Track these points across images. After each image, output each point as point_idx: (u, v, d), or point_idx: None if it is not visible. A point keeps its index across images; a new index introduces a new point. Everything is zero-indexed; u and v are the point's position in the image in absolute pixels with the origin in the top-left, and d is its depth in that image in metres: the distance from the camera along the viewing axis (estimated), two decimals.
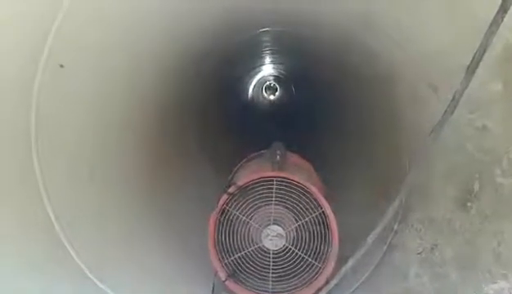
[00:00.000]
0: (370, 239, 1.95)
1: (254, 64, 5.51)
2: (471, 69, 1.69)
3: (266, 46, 4.44)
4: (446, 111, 1.74)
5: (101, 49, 2.19)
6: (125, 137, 2.71)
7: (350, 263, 2.03)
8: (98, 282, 2.21)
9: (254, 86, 6.26)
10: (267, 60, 5.31)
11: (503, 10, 1.56)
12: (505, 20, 1.59)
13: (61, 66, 1.97)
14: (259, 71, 5.93)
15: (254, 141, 3.59)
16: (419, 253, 2.56)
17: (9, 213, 1.84)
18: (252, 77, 6.04)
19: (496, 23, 1.59)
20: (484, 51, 1.65)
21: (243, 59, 4.73)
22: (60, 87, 2.00)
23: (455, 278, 2.25)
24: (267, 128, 4.75)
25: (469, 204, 2.21)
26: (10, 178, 1.86)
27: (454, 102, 1.72)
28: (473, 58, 1.66)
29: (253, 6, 2.80)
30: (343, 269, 2.11)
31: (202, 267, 2.65)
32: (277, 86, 6.29)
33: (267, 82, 6.26)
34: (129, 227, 2.66)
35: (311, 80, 4.82)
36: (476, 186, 2.18)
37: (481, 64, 1.70)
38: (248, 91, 6.25)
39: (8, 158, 1.85)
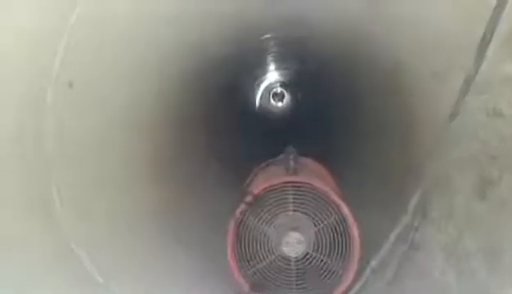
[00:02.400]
0: (392, 237, 1.91)
1: (260, 72, 5.50)
2: (481, 50, 1.66)
3: (270, 53, 4.43)
4: (458, 97, 1.72)
5: (107, 61, 2.21)
6: (135, 147, 2.71)
7: (373, 263, 1.99)
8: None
9: (262, 94, 6.25)
10: (273, 66, 5.30)
11: None
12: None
13: (70, 85, 1.99)
14: (265, 78, 5.92)
15: (266, 148, 3.57)
16: (442, 249, 2.51)
17: (17, 218, 1.85)
18: (258, 85, 6.04)
19: (500, 5, 1.56)
20: (493, 31, 1.63)
21: (248, 67, 4.73)
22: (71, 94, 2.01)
23: (482, 271, 2.20)
24: (279, 134, 4.73)
25: (488, 192, 2.17)
26: (19, 181, 1.87)
27: (466, 86, 1.69)
28: (483, 39, 1.64)
29: (255, 12, 2.79)
30: (368, 270, 2.07)
31: (220, 279, 2.63)
32: (284, 92, 6.26)
33: (274, 89, 6.24)
34: (140, 236, 2.65)
35: (318, 83, 4.80)
36: (495, 174, 2.13)
37: (492, 45, 1.67)
38: (255, 99, 6.24)
39: (18, 163, 1.85)
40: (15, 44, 1.74)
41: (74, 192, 2.13)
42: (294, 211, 2.40)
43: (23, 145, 1.88)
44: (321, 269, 2.41)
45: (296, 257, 2.40)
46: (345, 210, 2.39)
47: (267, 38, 3.54)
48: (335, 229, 2.40)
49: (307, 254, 2.40)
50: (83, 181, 2.24)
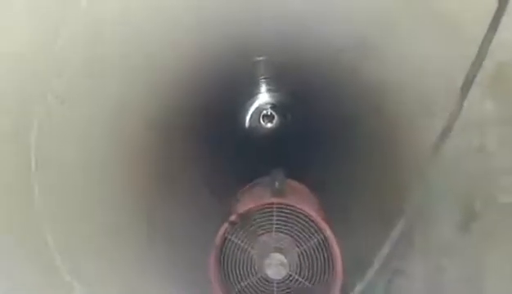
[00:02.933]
0: (376, 263, 1.93)
1: (251, 94, 5.53)
2: (465, 89, 1.71)
3: (262, 74, 4.47)
4: (442, 132, 1.76)
5: (96, 79, 2.22)
6: (122, 167, 2.70)
7: (358, 288, 2.01)
8: None
9: (251, 116, 6.28)
10: (264, 88, 5.34)
11: (493, 29, 1.59)
12: (497, 39, 1.63)
13: (62, 102, 2.00)
14: (256, 100, 5.96)
15: (254, 170, 3.59)
16: (424, 277, 2.54)
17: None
18: (249, 106, 6.07)
19: (486, 41, 1.62)
20: (477, 72, 1.68)
21: (240, 88, 4.77)
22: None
23: None
24: (267, 156, 4.75)
25: (471, 224, 2.21)
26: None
27: (450, 122, 1.74)
28: (466, 78, 1.69)
29: (249, 34, 2.83)
30: None
31: None
32: (274, 114, 6.31)
33: (264, 111, 6.27)
34: (125, 258, 2.64)
35: (307, 106, 4.85)
36: (477, 206, 2.18)
37: (476, 84, 1.73)
38: (245, 120, 6.27)
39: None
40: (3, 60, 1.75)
41: (56, 200, 2.12)
42: (278, 232, 2.42)
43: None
44: (303, 291, 2.41)
45: (278, 279, 2.41)
46: (328, 233, 2.40)
47: (259, 60, 3.58)
48: (318, 251, 2.41)
49: (290, 276, 2.41)
50: (67, 193, 2.23)
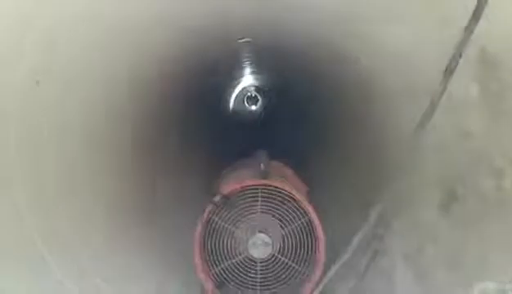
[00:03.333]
0: (354, 243, 1.97)
1: (235, 76, 5.53)
2: (448, 72, 1.73)
3: (246, 57, 4.46)
4: (424, 114, 1.79)
5: (77, 65, 2.19)
6: (102, 150, 2.67)
7: (335, 268, 2.04)
8: None
9: (236, 98, 6.28)
10: (248, 70, 5.34)
11: (476, 18, 1.61)
12: (480, 26, 1.65)
13: (37, 83, 1.97)
14: (240, 82, 5.95)
15: (238, 151, 3.59)
16: (404, 258, 2.58)
17: None
18: (233, 88, 6.07)
19: (469, 29, 1.64)
20: (460, 55, 1.70)
21: (224, 70, 4.75)
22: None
23: (442, 281, 2.27)
24: (251, 137, 4.76)
25: (453, 207, 2.24)
26: None
27: (433, 105, 1.76)
28: (450, 61, 1.72)
29: (235, 16, 2.82)
30: (329, 275, 2.12)
31: (188, 280, 2.63)
32: (258, 96, 6.32)
33: (249, 93, 6.28)
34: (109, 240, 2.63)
35: (292, 89, 4.86)
36: (460, 189, 2.21)
37: (460, 67, 1.75)
38: (229, 102, 6.27)
39: None
40: None
41: (37, 186, 2.10)
42: (262, 213, 2.43)
43: None
44: (286, 271, 2.44)
45: (262, 259, 2.43)
46: (312, 214, 2.44)
47: (244, 43, 3.56)
48: (302, 232, 2.44)
49: (273, 256, 2.44)
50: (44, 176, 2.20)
